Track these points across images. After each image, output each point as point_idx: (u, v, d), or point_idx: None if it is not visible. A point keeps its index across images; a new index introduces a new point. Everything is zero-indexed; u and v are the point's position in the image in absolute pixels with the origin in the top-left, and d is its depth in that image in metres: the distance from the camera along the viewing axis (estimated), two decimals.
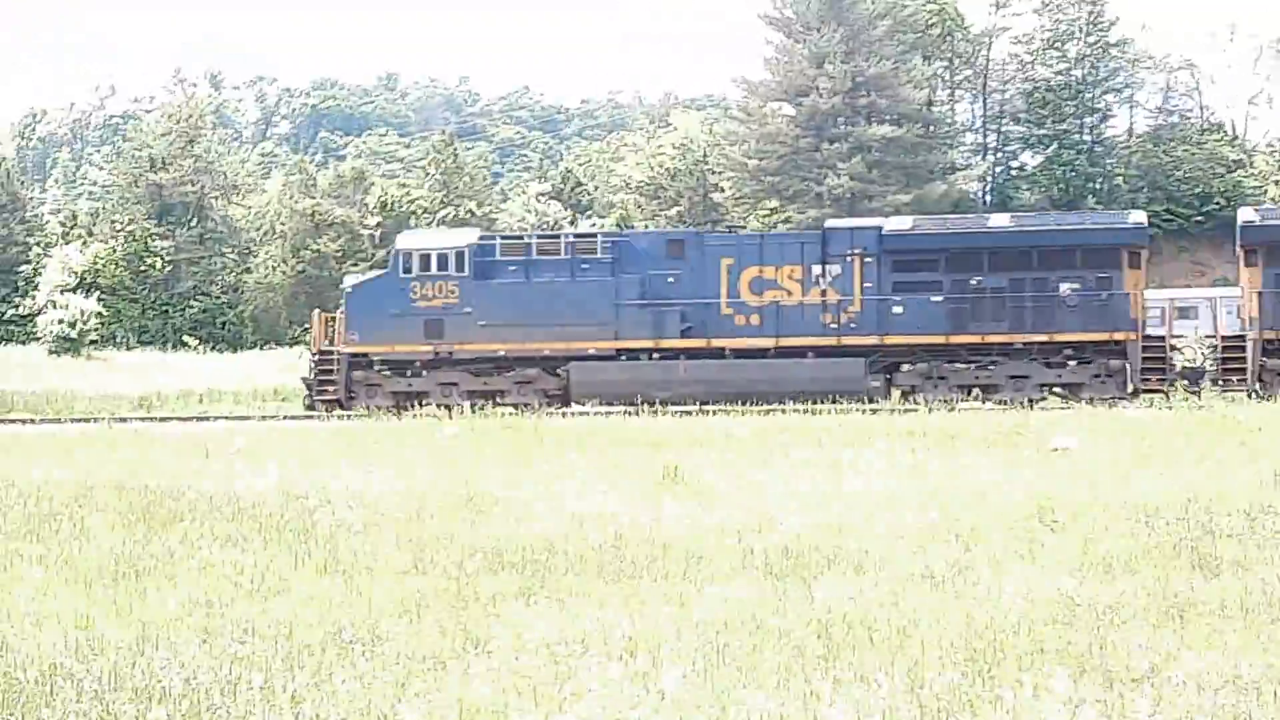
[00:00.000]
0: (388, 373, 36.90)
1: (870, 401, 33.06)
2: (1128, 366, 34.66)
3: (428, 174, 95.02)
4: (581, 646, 9.11)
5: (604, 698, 7.73)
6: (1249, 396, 33.31)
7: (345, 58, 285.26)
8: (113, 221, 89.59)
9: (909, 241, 36.25)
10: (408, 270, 36.83)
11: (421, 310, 36.35)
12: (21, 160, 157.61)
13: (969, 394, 34.68)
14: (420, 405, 34.62)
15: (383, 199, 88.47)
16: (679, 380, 35.24)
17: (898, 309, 35.24)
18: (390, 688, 8.07)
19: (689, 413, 31.75)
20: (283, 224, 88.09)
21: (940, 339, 35.17)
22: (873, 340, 35.27)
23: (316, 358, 37.56)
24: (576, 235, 42.37)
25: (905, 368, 35.22)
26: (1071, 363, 34.88)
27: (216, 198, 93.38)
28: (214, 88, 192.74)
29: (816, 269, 35.75)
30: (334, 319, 38.07)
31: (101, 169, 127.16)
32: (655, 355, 36.01)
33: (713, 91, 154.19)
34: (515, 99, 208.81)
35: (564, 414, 32.92)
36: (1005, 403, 33.34)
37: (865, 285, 35.46)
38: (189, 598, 11.03)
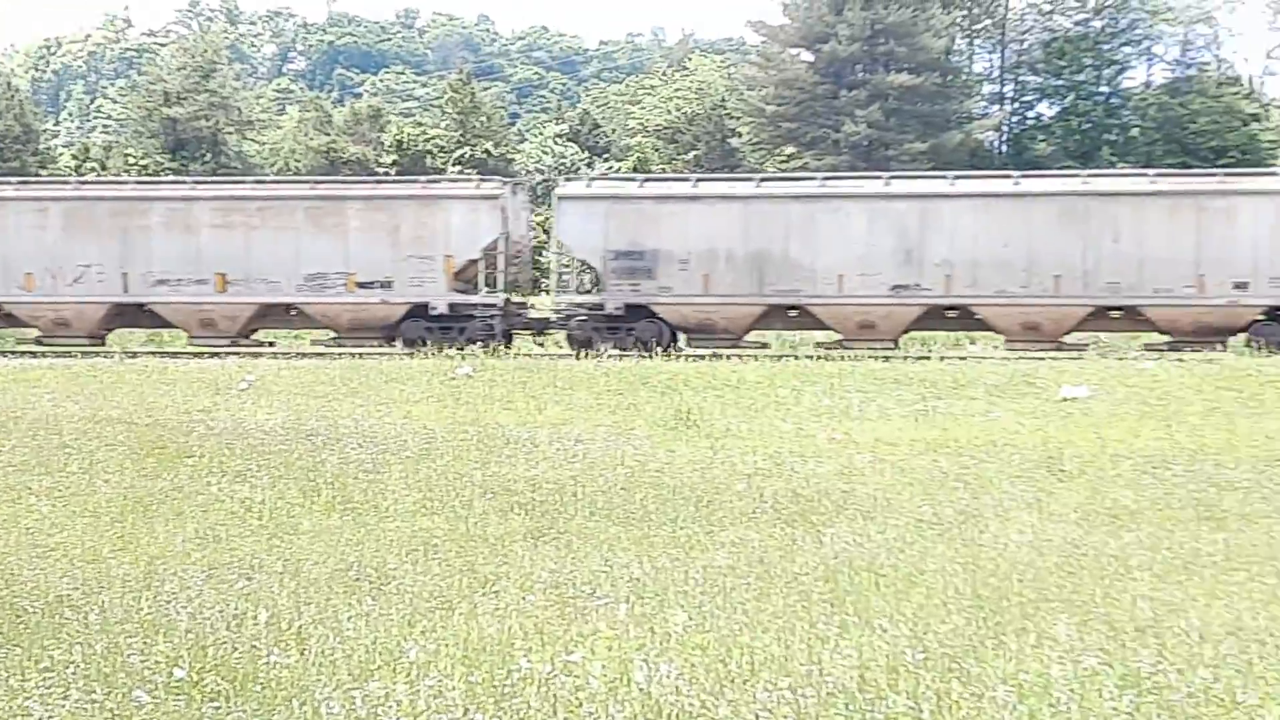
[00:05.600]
0: None
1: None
2: None
3: (444, 113, 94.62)
4: (589, 589, 9.13)
5: (610, 640, 7.75)
6: None
7: None
8: (126, 155, 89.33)
9: None
10: None
11: None
12: (35, 92, 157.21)
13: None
14: None
15: (398, 137, 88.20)
16: None
17: None
18: (397, 626, 8.10)
19: (701, 357, 31.91)
20: (297, 160, 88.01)
21: None
22: None
23: None
24: None
25: None
26: None
27: (231, 133, 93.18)
28: (230, 22, 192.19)
29: None
30: None
31: (115, 102, 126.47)
32: None
33: (731, 35, 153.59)
34: (533, 39, 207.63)
35: (576, 357, 32.91)
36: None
37: None
38: (196, 533, 11.05)
